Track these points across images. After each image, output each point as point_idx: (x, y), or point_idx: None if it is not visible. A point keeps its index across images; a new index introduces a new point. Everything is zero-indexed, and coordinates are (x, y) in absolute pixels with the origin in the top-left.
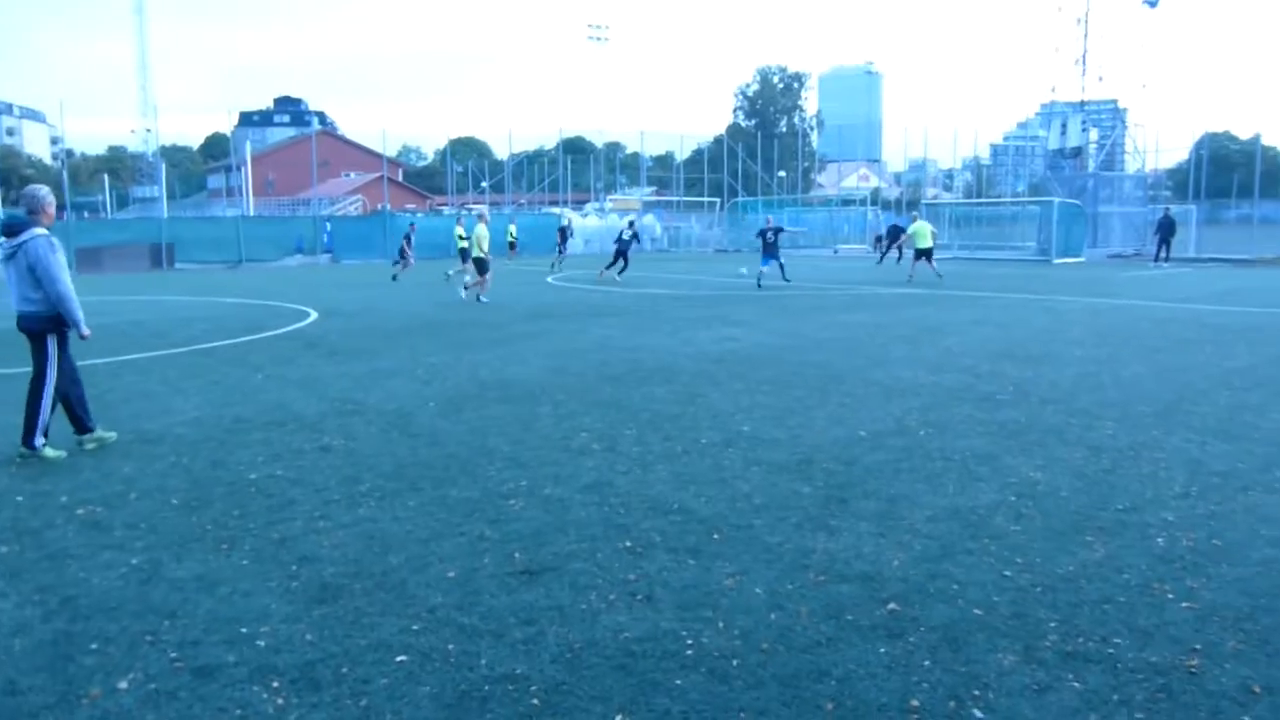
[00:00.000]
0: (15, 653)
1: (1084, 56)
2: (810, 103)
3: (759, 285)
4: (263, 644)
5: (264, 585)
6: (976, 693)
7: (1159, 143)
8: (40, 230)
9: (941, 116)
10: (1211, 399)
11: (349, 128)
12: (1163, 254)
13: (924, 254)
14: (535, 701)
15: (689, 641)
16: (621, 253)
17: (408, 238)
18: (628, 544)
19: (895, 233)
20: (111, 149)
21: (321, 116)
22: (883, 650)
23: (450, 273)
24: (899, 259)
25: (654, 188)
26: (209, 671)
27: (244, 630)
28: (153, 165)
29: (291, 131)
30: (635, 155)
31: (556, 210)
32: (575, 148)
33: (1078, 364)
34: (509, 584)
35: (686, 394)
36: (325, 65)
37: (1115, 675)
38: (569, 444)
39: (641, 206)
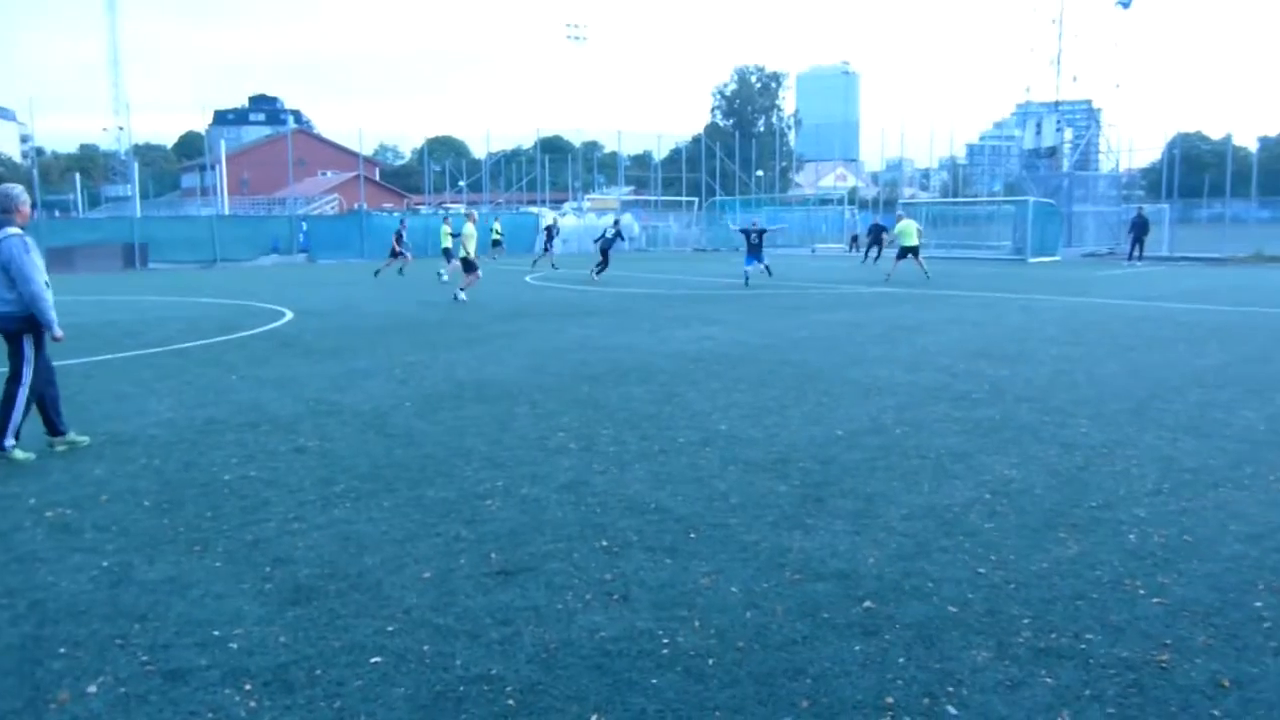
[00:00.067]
0: None
1: (1059, 57)
2: (788, 102)
3: (746, 284)
4: (235, 646)
5: (237, 587)
6: (950, 689)
7: (1132, 143)
8: (14, 230)
9: (918, 116)
10: (1183, 397)
11: (325, 126)
12: (1136, 253)
13: (909, 252)
14: (511, 702)
15: (665, 641)
16: (604, 251)
17: (399, 235)
18: (604, 543)
19: (877, 231)
20: (83, 147)
21: (297, 115)
22: (858, 648)
23: (443, 275)
24: (877, 257)
25: (632, 187)
26: (180, 675)
27: (216, 633)
28: (125, 164)
29: (267, 130)
30: (613, 155)
31: (534, 210)
32: (553, 147)
33: (1052, 362)
34: (485, 584)
35: (664, 393)
36: (301, 63)
37: (1087, 671)
38: (546, 444)
39: (619, 206)
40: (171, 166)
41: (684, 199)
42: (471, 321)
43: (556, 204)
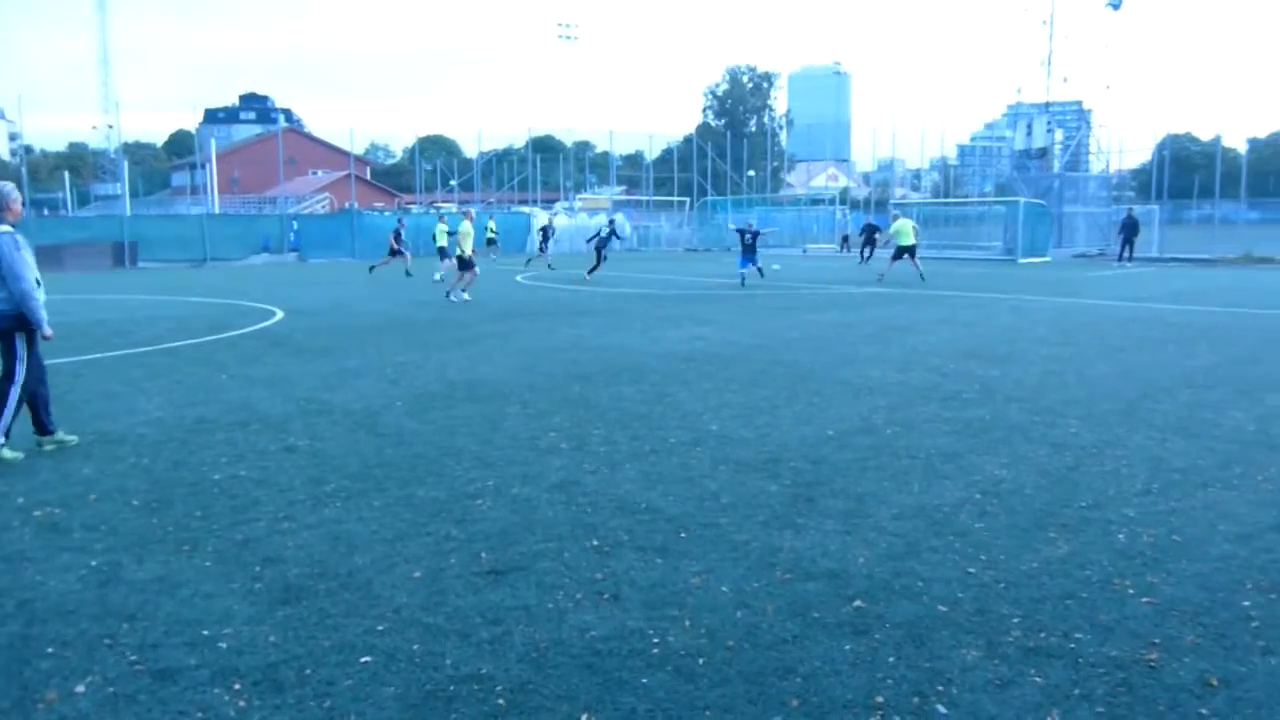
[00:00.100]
0: None
1: (1049, 58)
2: (779, 102)
3: (742, 284)
4: (225, 646)
5: (226, 587)
6: (940, 688)
7: (1123, 144)
8: (5, 228)
9: (910, 117)
10: (1173, 397)
11: (316, 125)
12: (1126, 254)
13: (906, 251)
14: (501, 701)
15: (655, 640)
16: (598, 250)
17: (397, 234)
18: (595, 543)
19: (871, 231)
20: (72, 145)
21: (288, 114)
22: (848, 647)
23: (437, 276)
24: (869, 257)
25: (623, 187)
26: (169, 674)
27: (205, 632)
28: (115, 162)
29: (258, 129)
30: (605, 154)
31: (526, 209)
32: (544, 146)
33: (1042, 363)
34: (475, 584)
35: (655, 393)
36: (292, 62)
37: (1076, 670)
38: (537, 443)
39: (611, 205)
40: (161, 165)
41: (676, 199)
42: (463, 321)
43: (548, 204)
